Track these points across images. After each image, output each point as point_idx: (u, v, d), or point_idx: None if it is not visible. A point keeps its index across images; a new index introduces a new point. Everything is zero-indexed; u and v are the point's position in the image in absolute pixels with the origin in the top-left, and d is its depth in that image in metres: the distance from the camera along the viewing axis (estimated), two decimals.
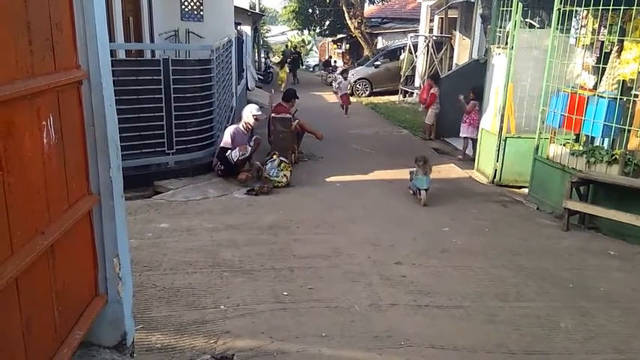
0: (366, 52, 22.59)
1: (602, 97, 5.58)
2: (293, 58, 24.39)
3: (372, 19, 25.68)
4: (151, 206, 5.71)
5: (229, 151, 6.69)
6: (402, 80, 17.16)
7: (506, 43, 7.14)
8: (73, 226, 2.15)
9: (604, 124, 5.48)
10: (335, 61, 28.50)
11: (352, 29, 22.99)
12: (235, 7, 13.16)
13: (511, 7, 7.02)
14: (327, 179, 7.34)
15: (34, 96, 1.85)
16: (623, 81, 5.65)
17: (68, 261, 2.16)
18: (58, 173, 2.07)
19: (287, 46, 32.88)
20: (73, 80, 2.16)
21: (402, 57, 18.16)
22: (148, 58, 8.31)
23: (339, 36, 29.07)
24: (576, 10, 5.89)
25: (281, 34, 41.85)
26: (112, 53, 6.47)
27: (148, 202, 5.90)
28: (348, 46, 28.03)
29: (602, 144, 6.00)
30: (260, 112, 7.13)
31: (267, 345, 3.07)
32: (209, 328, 3.23)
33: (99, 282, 2.47)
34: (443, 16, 16.15)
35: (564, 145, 6.03)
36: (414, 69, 17.22)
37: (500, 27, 7.70)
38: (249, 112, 6.94)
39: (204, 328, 3.23)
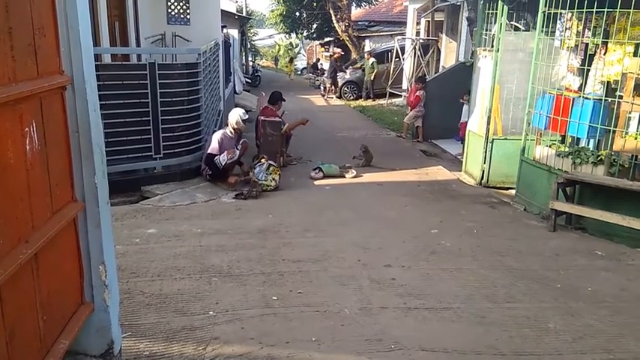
0: (354, 55, 22.65)
1: (587, 98, 5.64)
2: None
3: (359, 22, 25.75)
4: (138, 211, 5.66)
5: (217, 156, 6.65)
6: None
7: (492, 46, 7.20)
8: (58, 234, 2.11)
9: (589, 125, 5.54)
10: (321, 64, 28.51)
11: (339, 32, 23.05)
12: (222, 10, 13.11)
13: (496, 10, 7.08)
14: (316, 182, 7.33)
15: (16, 102, 1.82)
16: (608, 82, 5.71)
17: (53, 269, 2.13)
18: (41, 180, 2.04)
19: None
20: (56, 86, 2.13)
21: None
22: (134, 63, 8.23)
23: (326, 39, 29.11)
24: (561, 13, 5.95)
25: (268, 38, 41.79)
26: (98, 58, 6.41)
27: (135, 207, 5.85)
28: (338, 49, 28.05)
29: (588, 145, 6.06)
30: (247, 116, 7.11)
31: (257, 351, 3.04)
32: (198, 334, 3.20)
33: (85, 290, 2.43)
34: (429, 19, 16.24)
35: (550, 147, 6.08)
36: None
37: (486, 30, 7.76)
38: (238, 117, 6.90)
39: (193, 334, 3.20)
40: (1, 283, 1.70)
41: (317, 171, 7.56)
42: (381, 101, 17.14)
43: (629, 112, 5.28)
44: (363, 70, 18.62)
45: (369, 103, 17.33)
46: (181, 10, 10.65)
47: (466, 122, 9.39)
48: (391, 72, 16.79)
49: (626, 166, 5.40)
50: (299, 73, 33.61)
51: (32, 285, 1.98)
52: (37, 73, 1.98)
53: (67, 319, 2.28)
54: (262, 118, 7.90)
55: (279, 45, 38.52)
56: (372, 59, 18.11)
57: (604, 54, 5.66)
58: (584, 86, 5.86)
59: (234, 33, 19.13)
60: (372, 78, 17.85)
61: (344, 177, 7.54)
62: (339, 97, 18.57)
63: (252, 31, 37.61)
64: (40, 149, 2.01)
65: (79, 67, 2.25)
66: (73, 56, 2.23)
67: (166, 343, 3.09)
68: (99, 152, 2.38)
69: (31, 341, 1.99)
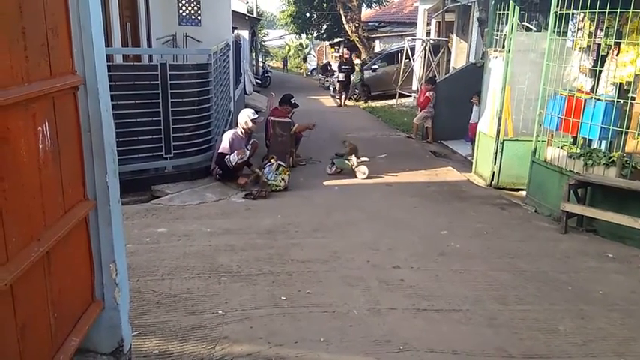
0: (364, 56, 22.63)
1: (599, 99, 5.59)
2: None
3: (370, 23, 25.72)
4: (149, 211, 5.69)
5: (227, 156, 6.68)
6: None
7: (504, 47, 7.16)
8: (69, 232, 2.14)
9: (601, 127, 5.49)
10: (330, 65, 28.54)
11: (350, 33, 23.03)
12: (233, 11, 13.17)
13: (508, 10, 7.04)
14: (325, 183, 7.34)
15: (29, 102, 1.85)
16: (620, 83, 5.66)
17: (64, 267, 2.15)
18: (53, 179, 2.06)
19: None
20: (69, 86, 2.15)
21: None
22: (146, 63, 8.30)
23: (336, 40, 29.11)
24: (573, 13, 5.91)
25: (279, 38, 41.91)
26: (109, 58, 6.47)
27: (146, 206, 5.89)
28: (345, 49, 28.03)
29: (600, 146, 6.01)
30: (256, 116, 7.13)
31: (266, 350, 3.05)
32: (207, 333, 3.22)
33: (95, 288, 2.46)
34: (440, 20, 16.18)
35: (562, 148, 6.03)
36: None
37: (497, 30, 7.72)
38: (247, 117, 6.93)
39: (202, 333, 3.21)
40: (13, 281, 1.72)
41: (331, 166, 7.77)
42: (391, 102, 17.12)
43: None
44: (374, 71, 18.58)
45: (379, 103, 17.29)
46: (192, 11, 10.73)
47: (476, 123, 9.29)
48: (401, 73, 16.75)
49: (639, 168, 5.34)
50: (309, 73, 33.70)
51: (44, 282, 2.00)
52: (50, 73, 2.01)
53: (77, 316, 2.30)
54: (272, 118, 7.92)
55: (289, 46, 38.61)
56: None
57: (616, 55, 5.61)
58: (596, 87, 5.81)
59: (244, 34, 19.21)
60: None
61: (355, 176, 7.55)
62: (349, 98, 18.55)
63: (262, 32, 37.78)
64: (52, 148, 2.03)
65: (92, 67, 2.27)
66: (86, 56, 2.25)
67: (176, 341, 3.11)
68: (110, 152, 2.40)
69: (42, 338, 2.01)
